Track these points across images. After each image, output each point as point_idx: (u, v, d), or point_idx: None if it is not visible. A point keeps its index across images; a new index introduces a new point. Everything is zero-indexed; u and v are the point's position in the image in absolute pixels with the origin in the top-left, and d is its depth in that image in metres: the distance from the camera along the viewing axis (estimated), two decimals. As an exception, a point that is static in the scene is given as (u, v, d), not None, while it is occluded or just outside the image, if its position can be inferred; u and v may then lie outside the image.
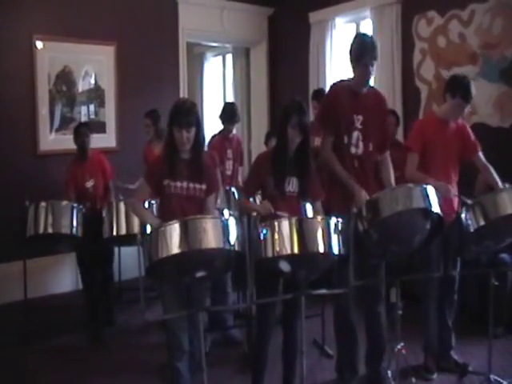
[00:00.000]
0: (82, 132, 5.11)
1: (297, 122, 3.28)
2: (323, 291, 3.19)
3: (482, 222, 3.27)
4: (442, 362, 4.02)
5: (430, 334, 3.96)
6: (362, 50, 3.50)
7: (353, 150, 3.59)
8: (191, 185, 3.24)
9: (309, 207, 3.64)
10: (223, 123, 5.45)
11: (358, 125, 3.58)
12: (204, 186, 3.28)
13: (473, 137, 4.00)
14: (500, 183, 3.82)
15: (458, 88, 3.80)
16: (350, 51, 3.58)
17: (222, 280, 4.45)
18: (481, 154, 3.97)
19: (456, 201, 3.80)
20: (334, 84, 3.77)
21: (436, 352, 3.99)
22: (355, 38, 3.65)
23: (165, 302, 3.21)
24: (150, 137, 5.70)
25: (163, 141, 3.55)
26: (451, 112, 3.88)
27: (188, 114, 3.18)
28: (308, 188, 3.41)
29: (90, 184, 5.10)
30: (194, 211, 3.10)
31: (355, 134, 3.58)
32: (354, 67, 3.57)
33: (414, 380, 3.47)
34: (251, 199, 3.56)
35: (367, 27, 6.39)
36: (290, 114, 3.31)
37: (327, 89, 6.25)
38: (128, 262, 5.20)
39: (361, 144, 3.59)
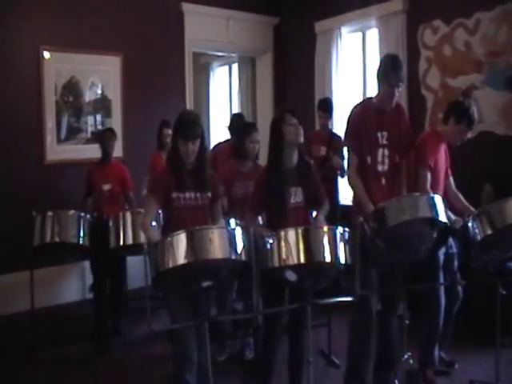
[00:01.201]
0: (107, 136, 5.19)
1: (291, 117, 3.34)
2: (330, 301, 3.18)
3: (488, 231, 3.26)
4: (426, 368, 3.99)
5: (431, 346, 3.92)
6: (388, 69, 3.52)
7: (379, 167, 3.58)
8: (198, 195, 3.27)
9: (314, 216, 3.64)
10: (231, 134, 5.45)
11: (384, 141, 3.57)
12: (210, 195, 3.31)
13: (450, 160, 4.03)
14: (471, 208, 3.82)
15: (464, 116, 3.82)
16: (378, 70, 3.59)
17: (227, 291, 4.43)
18: (452, 180, 4.01)
19: None
20: (356, 105, 3.74)
21: (435, 365, 3.96)
22: (384, 57, 3.68)
23: (172, 312, 3.21)
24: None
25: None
26: (453, 136, 3.91)
27: (193, 126, 3.21)
28: (313, 196, 3.42)
29: (106, 187, 5.14)
30: (202, 220, 3.13)
31: (380, 151, 3.57)
32: (379, 86, 3.58)
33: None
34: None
35: (373, 36, 6.40)
36: (282, 115, 3.38)
37: (333, 98, 6.38)
38: (134, 271, 5.20)
39: (387, 160, 3.58)
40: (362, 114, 3.62)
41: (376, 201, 3.38)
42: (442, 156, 3.91)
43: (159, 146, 5.88)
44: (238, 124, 5.30)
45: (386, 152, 3.57)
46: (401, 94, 5.90)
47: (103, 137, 5.22)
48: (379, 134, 3.56)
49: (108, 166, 5.21)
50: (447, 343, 4.10)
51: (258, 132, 4.54)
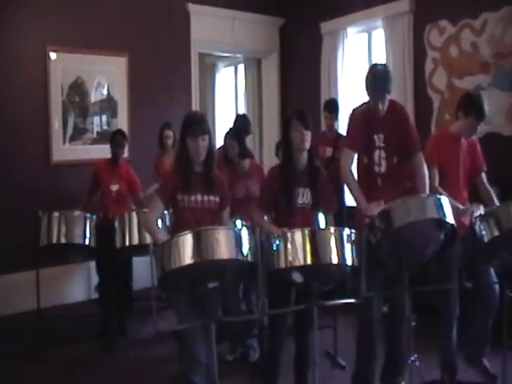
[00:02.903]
0: (119, 142, 5.21)
1: (297, 122, 3.32)
2: (336, 302, 3.18)
3: (496, 233, 3.25)
4: (473, 369, 3.97)
5: (450, 350, 3.88)
6: (373, 82, 3.52)
7: (376, 168, 3.58)
8: (205, 197, 3.24)
9: (321, 217, 3.63)
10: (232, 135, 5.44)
11: (380, 143, 3.56)
12: (217, 199, 3.28)
13: (481, 157, 4.01)
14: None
15: (471, 107, 3.80)
16: (365, 81, 3.59)
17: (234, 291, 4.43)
18: (484, 176, 3.99)
19: (468, 218, 3.75)
20: (354, 109, 3.76)
21: (456, 369, 3.93)
22: (370, 68, 3.66)
23: (179, 312, 3.19)
24: (169, 148, 5.79)
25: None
26: (464, 130, 3.89)
27: (201, 122, 3.21)
28: (321, 198, 3.41)
29: (114, 188, 5.16)
30: (208, 223, 3.10)
31: (376, 153, 3.56)
32: (368, 95, 3.59)
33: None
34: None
35: (379, 37, 6.39)
36: (289, 119, 3.37)
37: (339, 99, 6.37)
38: (140, 272, 5.21)
39: (383, 162, 3.57)
40: (359, 116, 3.64)
41: (370, 200, 3.39)
42: (457, 155, 3.86)
43: (161, 148, 5.94)
44: (242, 125, 5.31)
45: (383, 154, 3.57)
46: (407, 95, 5.94)
47: (114, 142, 5.22)
48: (375, 137, 3.56)
49: (117, 167, 5.22)
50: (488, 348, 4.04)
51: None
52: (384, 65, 3.78)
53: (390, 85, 3.53)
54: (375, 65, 3.73)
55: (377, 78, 3.53)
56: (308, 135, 3.34)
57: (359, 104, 3.78)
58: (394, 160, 3.58)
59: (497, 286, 3.86)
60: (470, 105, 3.82)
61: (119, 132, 5.40)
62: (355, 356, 3.69)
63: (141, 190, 5.37)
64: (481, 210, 3.54)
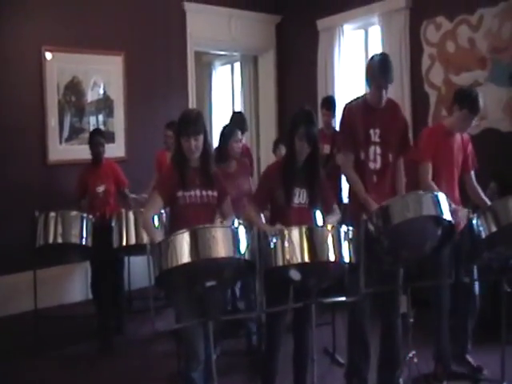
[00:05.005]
0: (97, 142, 5.17)
1: (304, 133, 3.27)
2: (334, 299, 3.17)
3: (493, 228, 3.24)
4: (457, 366, 4.00)
5: (442, 343, 3.92)
6: (375, 72, 3.51)
7: (371, 165, 3.57)
8: (204, 192, 3.25)
9: (319, 215, 3.62)
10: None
11: (376, 138, 3.56)
12: (215, 193, 3.29)
13: (473, 154, 4.02)
14: (488, 202, 3.83)
15: (465, 100, 3.80)
16: (366, 71, 3.59)
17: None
18: (473, 174, 4.00)
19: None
20: (348, 103, 3.75)
21: (449, 361, 3.95)
22: (371, 58, 3.66)
23: (178, 310, 3.19)
24: (170, 147, 5.74)
25: None
26: (458, 124, 3.88)
27: (195, 122, 3.21)
28: (318, 198, 3.40)
29: (100, 189, 5.15)
30: (208, 219, 3.11)
31: (372, 148, 3.55)
32: (368, 86, 3.58)
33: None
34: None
35: (375, 33, 6.37)
36: (297, 124, 3.30)
37: (336, 96, 6.36)
38: (137, 271, 5.20)
39: (379, 158, 3.57)
40: (355, 110, 3.62)
41: None
42: (450, 150, 3.87)
43: (165, 146, 5.89)
44: (238, 122, 5.30)
45: (378, 150, 3.56)
46: (404, 91, 5.93)
47: (92, 142, 5.18)
48: (371, 131, 3.55)
49: (100, 167, 5.20)
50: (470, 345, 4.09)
51: (240, 130, 4.69)
52: (386, 54, 3.78)
53: (392, 74, 3.53)
54: (377, 54, 3.72)
55: (381, 67, 3.51)
56: (308, 147, 3.30)
57: (352, 99, 3.77)
58: (388, 156, 3.59)
59: (476, 287, 3.92)
60: (465, 97, 3.82)
61: (96, 131, 5.38)
62: (347, 351, 3.71)
63: (126, 185, 5.36)
64: (465, 217, 3.50)
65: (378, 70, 3.51)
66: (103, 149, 5.21)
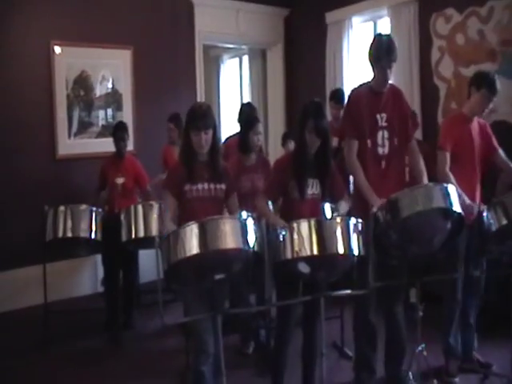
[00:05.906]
0: (118, 137, 5.15)
1: (313, 127, 3.25)
2: (342, 292, 3.16)
3: (503, 222, 3.23)
4: (465, 363, 3.97)
5: (452, 336, 3.90)
6: (379, 52, 3.47)
7: (380, 150, 3.53)
8: (212, 186, 3.24)
9: (327, 207, 3.60)
10: (240, 125, 5.40)
11: (383, 123, 3.52)
12: (223, 186, 3.28)
13: (493, 137, 3.97)
14: None
15: (483, 80, 3.78)
16: (369, 52, 3.55)
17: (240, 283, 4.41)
18: (501, 152, 3.93)
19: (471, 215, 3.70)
20: (353, 90, 3.72)
21: (459, 355, 3.93)
22: (374, 39, 3.61)
23: (187, 304, 3.18)
24: (174, 141, 5.72)
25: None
26: (476, 106, 3.83)
27: (205, 116, 3.19)
28: (329, 189, 3.39)
29: (120, 180, 5.14)
30: (216, 212, 3.09)
31: (380, 133, 3.52)
32: (372, 68, 3.55)
33: (435, 382, 3.43)
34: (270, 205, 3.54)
35: (384, 26, 6.34)
36: (307, 117, 3.29)
37: (345, 89, 6.33)
38: (146, 264, 5.20)
39: (387, 142, 3.53)
40: (361, 96, 3.58)
41: (374, 184, 3.38)
42: (471, 137, 3.83)
43: (169, 139, 5.90)
44: (247, 113, 5.25)
45: (386, 134, 3.53)
46: (413, 84, 5.90)
47: (114, 137, 5.18)
48: (378, 116, 3.52)
49: (122, 161, 5.20)
50: (476, 342, 4.06)
51: (260, 123, 4.56)
52: (387, 34, 3.74)
53: (396, 53, 3.49)
54: (380, 34, 3.68)
55: (384, 46, 3.47)
56: (318, 140, 3.29)
57: (358, 85, 3.73)
58: (395, 141, 3.55)
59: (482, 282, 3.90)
60: (483, 78, 3.81)
61: (119, 126, 5.32)
62: (354, 344, 3.70)
63: (148, 182, 5.35)
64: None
65: (381, 48, 3.47)
66: (124, 143, 5.19)
